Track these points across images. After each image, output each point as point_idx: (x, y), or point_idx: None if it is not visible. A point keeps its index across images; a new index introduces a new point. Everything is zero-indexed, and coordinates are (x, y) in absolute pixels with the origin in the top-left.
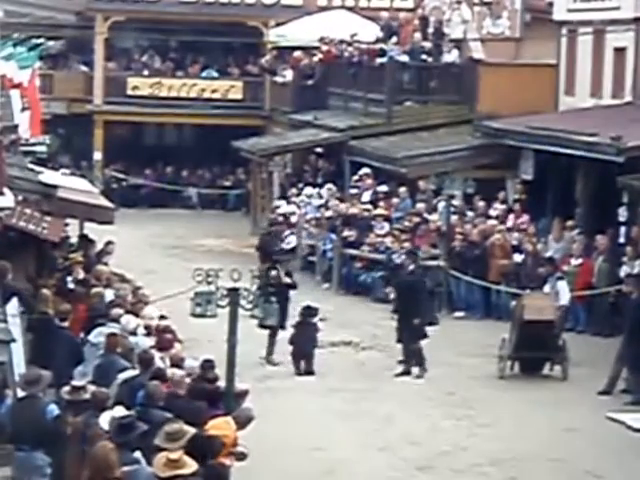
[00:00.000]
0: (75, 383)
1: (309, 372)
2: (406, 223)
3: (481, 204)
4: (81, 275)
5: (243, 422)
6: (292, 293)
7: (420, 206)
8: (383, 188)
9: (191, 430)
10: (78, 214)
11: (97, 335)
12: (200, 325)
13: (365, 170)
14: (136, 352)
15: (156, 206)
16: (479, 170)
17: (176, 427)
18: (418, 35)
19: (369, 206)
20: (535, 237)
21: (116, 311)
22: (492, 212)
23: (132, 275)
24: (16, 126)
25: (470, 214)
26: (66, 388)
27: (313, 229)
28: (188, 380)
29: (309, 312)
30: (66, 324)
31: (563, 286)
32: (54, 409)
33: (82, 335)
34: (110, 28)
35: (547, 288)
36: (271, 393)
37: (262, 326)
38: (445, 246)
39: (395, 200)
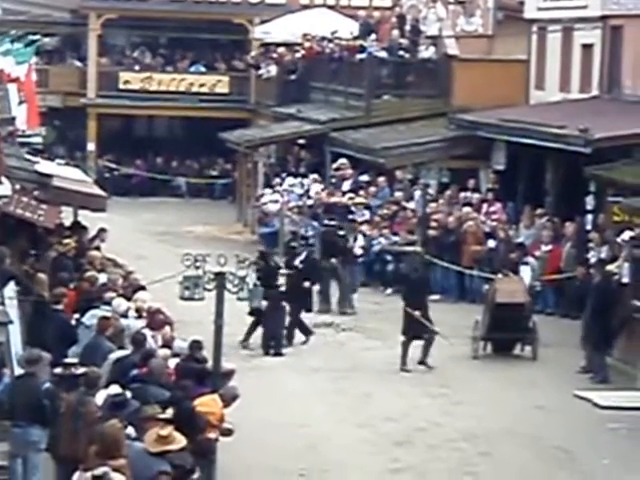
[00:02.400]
0: (67, 360)
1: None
2: (385, 211)
3: (462, 195)
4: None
5: (229, 400)
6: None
7: (398, 195)
8: (364, 178)
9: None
10: (72, 202)
11: (90, 317)
12: (188, 307)
13: (342, 160)
14: (127, 334)
15: (147, 195)
16: (454, 160)
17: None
18: (396, 32)
19: (351, 194)
20: (507, 224)
21: (109, 294)
22: (463, 200)
23: (124, 260)
24: (13, 118)
25: (443, 201)
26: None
27: (295, 216)
28: (176, 361)
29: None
30: (60, 307)
31: (526, 270)
32: (49, 387)
33: (77, 317)
34: (103, 25)
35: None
36: (256, 372)
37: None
38: (421, 233)
39: (374, 189)
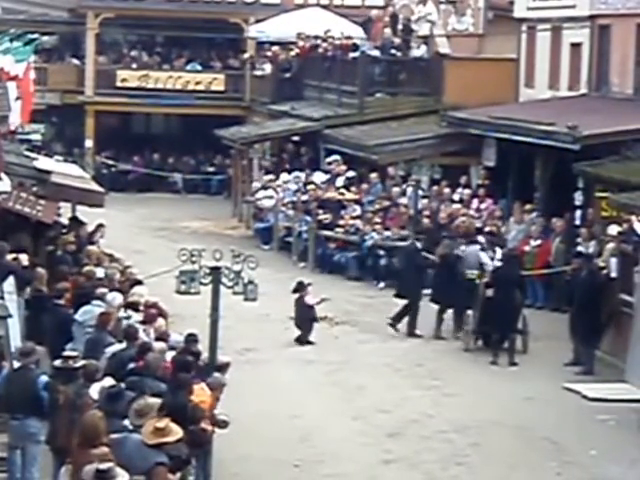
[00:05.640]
0: (66, 353)
1: (304, 342)
2: (377, 206)
3: (446, 190)
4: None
5: (216, 387)
6: (266, 272)
7: (390, 191)
8: (351, 174)
9: (157, 402)
10: (71, 198)
11: (83, 314)
12: (185, 301)
13: (334, 157)
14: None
15: (144, 190)
16: (445, 157)
17: (142, 403)
18: (388, 31)
19: (343, 190)
20: (498, 220)
21: (100, 290)
22: (455, 196)
23: (121, 255)
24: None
25: (433, 197)
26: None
27: (290, 212)
28: (171, 354)
29: (300, 287)
30: (62, 302)
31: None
32: (45, 379)
33: (70, 312)
34: (100, 24)
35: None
36: (251, 365)
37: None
38: (413, 228)
39: (366, 185)
